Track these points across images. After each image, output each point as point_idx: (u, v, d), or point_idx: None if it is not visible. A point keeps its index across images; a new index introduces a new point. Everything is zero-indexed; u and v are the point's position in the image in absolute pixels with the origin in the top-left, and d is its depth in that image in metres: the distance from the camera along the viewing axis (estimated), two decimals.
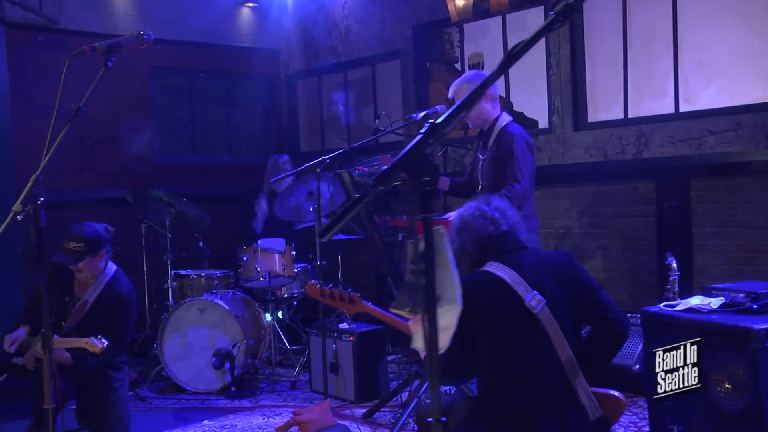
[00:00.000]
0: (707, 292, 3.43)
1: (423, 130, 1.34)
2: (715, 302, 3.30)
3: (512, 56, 1.34)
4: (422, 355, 2.82)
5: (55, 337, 4.06)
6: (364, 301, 3.12)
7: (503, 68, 1.33)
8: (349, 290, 3.15)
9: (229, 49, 7.52)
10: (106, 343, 3.82)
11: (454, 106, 1.33)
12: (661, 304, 3.53)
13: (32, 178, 2.45)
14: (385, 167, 1.38)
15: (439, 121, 1.32)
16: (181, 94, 7.50)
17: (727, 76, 4.99)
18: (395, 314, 3.09)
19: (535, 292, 2.54)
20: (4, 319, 5.95)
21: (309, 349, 5.46)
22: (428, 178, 1.31)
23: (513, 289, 2.53)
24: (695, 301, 3.38)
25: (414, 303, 1.52)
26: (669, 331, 3.33)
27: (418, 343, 1.72)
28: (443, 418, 1.63)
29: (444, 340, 1.55)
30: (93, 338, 3.82)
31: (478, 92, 1.39)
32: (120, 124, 6.51)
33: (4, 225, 2.41)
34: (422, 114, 4.42)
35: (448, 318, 1.49)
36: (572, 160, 5.71)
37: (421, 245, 1.32)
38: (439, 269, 1.35)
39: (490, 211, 2.73)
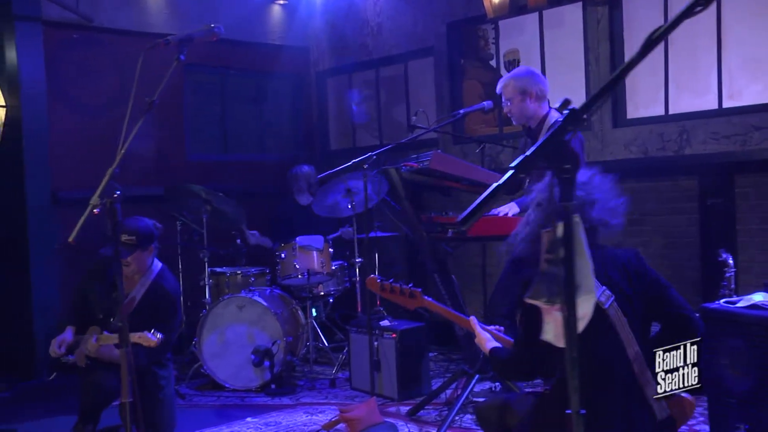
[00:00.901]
0: None
1: (561, 117, 1.32)
2: None
3: (653, 41, 1.32)
4: (486, 349, 2.80)
5: (105, 333, 4.06)
6: (425, 297, 3.09)
7: (643, 53, 1.31)
8: (410, 285, 3.12)
9: (259, 46, 7.52)
10: (160, 336, 3.78)
11: (594, 94, 1.31)
12: (721, 301, 3.49)
13: (109, 171, 2.44)
14: (524, 155, 1.35)
15: (578, 107, 1.30)
16: (213, 91, 7.49)
17: None
18: (457, 311, 3.07)
19: (605, 287, 2.52)
20: (42, 318, 5.97)
21: (349, 347, 5.43)
22: (568, 165, 1.29)
23: None
24: (758, 297, 3.33)
25: (551, 292, 1.50)
26: (731, 328, 3.29)
27: (549, 334, 1.70)
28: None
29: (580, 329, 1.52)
30: (147, 332, 3.78)
31: (617, 78, 1.37)
32: (152, 121, 6.49)
33: (82, 218, 2.40)
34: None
35: (585, 308, 1.46)
36: (611, 157, 5.66)
37: (559, 232, 1.30)
38: (576, 258, 1.33)
39: None
